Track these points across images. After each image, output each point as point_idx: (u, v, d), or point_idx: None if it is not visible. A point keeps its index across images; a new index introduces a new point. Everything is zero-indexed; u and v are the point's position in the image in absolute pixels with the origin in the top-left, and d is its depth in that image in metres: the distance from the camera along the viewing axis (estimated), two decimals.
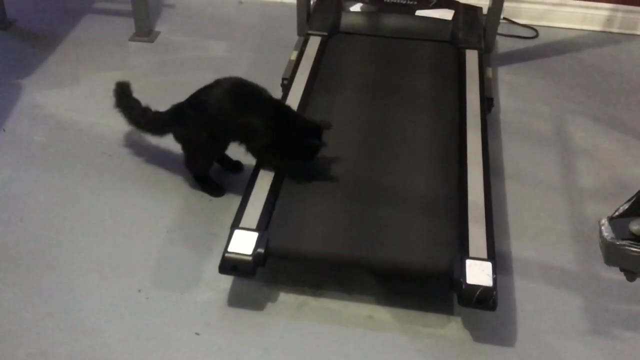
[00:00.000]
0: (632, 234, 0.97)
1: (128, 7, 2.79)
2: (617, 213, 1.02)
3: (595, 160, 2.22)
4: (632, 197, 1.04)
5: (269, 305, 1.69)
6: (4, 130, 2.25)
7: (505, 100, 2.50)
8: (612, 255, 0.99)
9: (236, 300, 1.70)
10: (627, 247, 0.95)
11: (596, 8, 2.93)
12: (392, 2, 2.63)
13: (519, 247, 1.88)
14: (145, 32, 2.81)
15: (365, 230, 1.71)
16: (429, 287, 1.74)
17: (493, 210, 1.79)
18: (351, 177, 1.88)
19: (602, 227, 0.99)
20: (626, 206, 1.01)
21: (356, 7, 2.60)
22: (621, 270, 1.02)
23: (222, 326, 1.64)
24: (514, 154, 2.23)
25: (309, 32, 2.54)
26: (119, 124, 2.30)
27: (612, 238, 0.97)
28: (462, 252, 1.64)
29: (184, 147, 2.00)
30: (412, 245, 1.68)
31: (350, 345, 1.61)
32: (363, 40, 2.52)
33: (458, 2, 2.66)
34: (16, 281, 1.74)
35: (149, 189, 2.04)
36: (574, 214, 1.99)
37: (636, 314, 1.69)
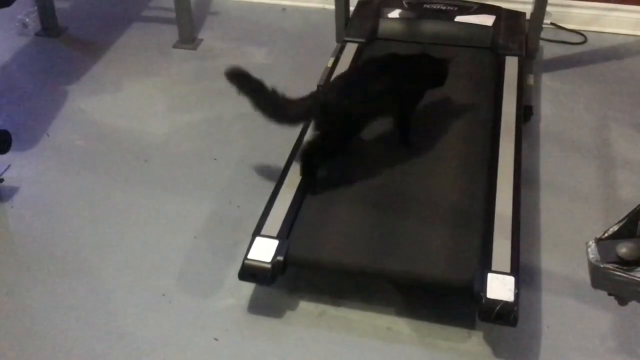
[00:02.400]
0: (619, 257, 0.93)
1: (173, 15, 2.85)
2: (605, 235, 0.97)
3: (637, 172, 2.12)
4: (623, 218, 0.99)
5: (289, 313, 1.70)
6: (48, 135, 2.34)
7: (546, 109, 2.43)
8: (597, 278, 0.94)
9: (256, 307, 1.71)
10: (611, 271, 0.91)
11: None
12: (432, 8, 2.60)
13: (549, 261, 1.82)
14: (188, 39, 2.87)
15: (386, 240, 1.69)
16: (450, 300, 1.71)
17: (522, 223, 1.74)
18: (375, 186, 1.87)
19: (589, 249, 0.95)
20: (616, 228, 0.97)
21: (394, 14, 2.58)
22: (609, 294, 0.98)
23: (240, 332, 1.66)
24: (551, 164, 2.16)
25: (346, 38, 2.53)
26: (157, 130, 2.37)
27: (597, 261, 0.93)
28: (485, 265, 1.60)
29: (327, 132, 1.85)
30: (434, 257, 1.65)
31: (368, 356, 1.59)
32: (400, 46, 2.48)
33: (500, 8, 2.60)
34: (47, 280, 1.80)
35: (180, 194, 2.08)
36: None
37: None
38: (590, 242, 0.97)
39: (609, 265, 0.93)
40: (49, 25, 2.95)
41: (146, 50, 2.84)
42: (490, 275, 1.57)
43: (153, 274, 1.82)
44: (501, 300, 1.52)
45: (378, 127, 2.08)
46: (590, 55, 2.75)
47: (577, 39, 2.84)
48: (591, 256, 0.95)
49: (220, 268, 1.82)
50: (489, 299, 1.52)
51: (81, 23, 3.06)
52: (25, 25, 2.96)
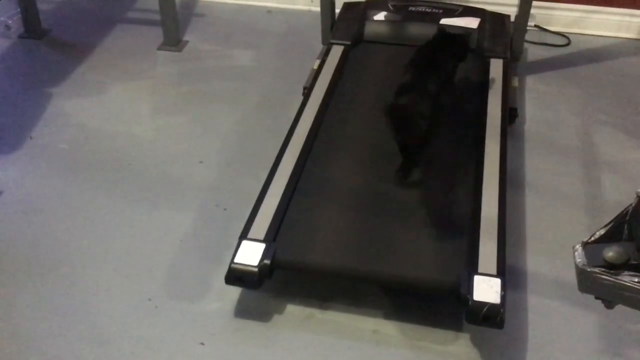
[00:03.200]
0: (606, 261, 0.94)
1: (158, 17, 2.83)
2: (592, 238, 0.98)
3: (621, 174, 2.14)
4: (609, 222, 0.99)
5: (276, 316, 1.69)
6: (31, 138, 2.31)
7: (531, 111, 2.44)
8: (584, 282, 0.95)
9: (243, 311, 1.71)
10: (598, 275, 0.91)
11: (632, 15, 2.83)
12: (417, 11, 2.60)
13: (535, 263, 1.83)
14: (173, 41, 2.85)
15: (372, 243, 1.69)
16: (438, 303, 1.71)
17: (508, 225, 1.75)
18: (361, 189, 1.87)
19: (576, 253, 0.95)
20: (602, 231, 0.97)
21: (380, 16, 2.58)
22: (596, 298, 0.98)
23: (227, 337, 1.65)
24: (536, 166, 2.17)
25: (332, 41, 2.53)
26: (142, 133, 2.35)
27: (584, 264, 0.94)
28: (471, 267, 1.60)
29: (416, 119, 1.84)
30: (421, 260, 1.65)
31: (355, 359, 1.59)
32: (386, 49, 2.49)
33: (485, 11, 2.62)
34: (32, 285, 1.78)
35: (166, 198, 2.07)
36: (593, 230, 1.92)
37: None
38: (577, 246, 0.97)
39: (596, 269, 0.93)
40: (32, 28, 2.92)
41: (131, 53, 2.82)
42: (476, 278, 1.57)
43: (138, 279, 1.80)
44: (488, 303, 1.52)
45: (366, 131, 2.09)
46: (574, 58, 2.77)
47: (561, 41, 2.86)
48: (578, 260, 0.96)
49: (207, 272, 1.81)
50: (476, 302, 1.53)
51: (65, 25, 3.03)
52: (7, 27, 2.93)
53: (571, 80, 2.62)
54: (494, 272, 1.59)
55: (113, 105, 2.51)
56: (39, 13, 2.92)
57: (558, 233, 1.93)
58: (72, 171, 2.18)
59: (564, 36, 2.88)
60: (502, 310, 1.51)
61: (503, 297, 1.53)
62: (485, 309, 1.52)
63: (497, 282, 1.56)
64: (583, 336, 1.63)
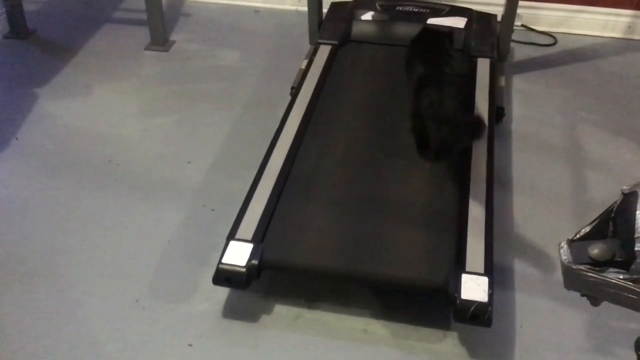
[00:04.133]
0: (591, 258, 0.94)
1: (144, 16, 2.82)
2: (577, 236, 0.98)
3: (608, 172, 2.16)
4: (595, 219, 1.00)
5: (264, 317, 1.69)
6: (17, 139, 2.30)
7: (518, 110, 2.45)
8: (570, 279, 0.95)
9: (231, 311, 1.70)
10: (584, 272, 0.92)
11: (617, 15, 2.86)
12: (404, 11, 2.61)
13: (522, 261, 1.84)
14: (160, 41, 2.84)
15: (361, 243, 1.69)
16: (426, 301, 1.71)
17: (496, 224, 1.76)
18: (349, 189, 1.86)
19: (561, 250, 0.96)
20: (588, 229, 0.98)
21: (367, 16, 2.58)
22: (582, 295, 0.99)
23: (215, 338, 1.64)
24: (523, 165, 2.18)
25: (320, 40, 2.53)
26: (128, 133, 2.34)
27: (569, 262, 0.94)
28: (459, 266, 1.61)
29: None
30: (409, 259, 1.65)
31: (344, 359, 1.59)
32: (373, 48, 2.50)
33: (472, 10, 2.63)
34: (17, 287, 1.77)
35: (154, 198, 2.06)
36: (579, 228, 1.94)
37: (637, 331, 1.64)
38: (563, 243, 0.98)
39: (582, 267, 0.93)
40: (18, 28, 2.90)
41: (117, 53, 2.81)
42: (464, 276, 1.58)
43: (125, 280, 1.79)
44: (475, 301, 1.53)
45: (354, 130, 2.09)
46: (560, 57, 2.78)
47: (548, 40, 2.88)
48: (564, 257, 0.96)
49: (194, 273, 1.80)
50: (464, 300, 1.53)
51: (50, 25, 3.01)
52: None
53: (557, 79, 2.63)
54: (482, 270, 1.59)
55: (99, 105, 2.49)
56: (24, 13, 2.90)
57: (545, 231, 1.93)
58: (58, 172, 2.16)
59: (551, 36, 2.90)
60: (489, 308, 1.52)
61: (491, 296, 1.54)
62: (473, 308, 1.52)
63: (485, 280, 1.57)
64: (570, 333, 1.64)
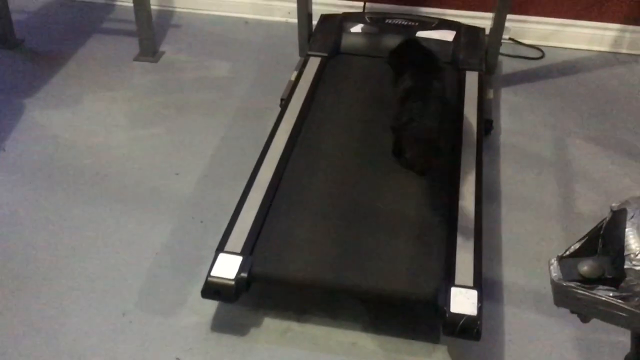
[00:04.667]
0: (581, 275, 0.94)
1: (134, 27, 2.81)
2: (567, 252, 0.99)
3: (595, 184, 2.17)
4: (584, 236, 1.01)
5: (253, 330, 1.68)
6: (4, 150, 2.28)
7: (506, 122, 2.46)
8: (560, 296, 0.96)
9: (220, 325, 1.69)
10: (574, 289, 0.92)
11: (604, 29, 2.88)
12: (394, 24, 2.62)
13: (511, 274, 1.84)
14: (149, 52, 2.84)
15: (350, 256, 1.69)
16: (415, 315, 1.71)
17: (485, 236, 1.76)
18: (339, 201, 1.86)
19: (551, 267, 0.96)
20: (577, 245, 0.99)
21: (357, 28, 2.59)
22: (572, 312, 0.99)
23: (204, 351, 1.63)
24: (512, 177, 2.19)
25: (309, 52, 2.54)
26: (117, 144, 2.33)
27: (559, 279, 0.95)
28: (448, 279, 1.61)
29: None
30: (398, 272, 1.65)
31: None
32: (363, 61, 2.50)
33: (460, 24, 2.64)
34: (3, 299, 1.75)
35: (142, 210, 2.05)
36: (569, 241, 1.93)
37: (625, 345, 1.64)
38: (553, 260, 0.98)
39: (571, 284, 0.94)
40: (6, 37, 2.88)
41: (106, 63, 2.80)
42: (453, 290, 1.58)
43: (113, 293, 1.78)
44: (465, 315, 1.53)
45: (344, 142, 2.09)
46: (548, 70, 2.80)
47: (535, 54, 2.90)
48: (554, 274, 0.96)
49: (183, 285, 1.79)
50: (453, 313, 1.53)
51: (39, 35, 3.00)
52: None
53: (545, 92, 2.65)
54: (471, 283, 1.60)
55: (88, 116, 2.48)
56: (12, 23, 2.88)
57: (533, 244, 1.94)
58: (46, 183, 2.15)
59: (538, 49, 2.92)
60: (479, 322, 1.52)
61: (480, 309, 1.54)
62: (462, 321, 1.52)
63: (474, 294, 1.57)
64: (559, 347, 1.65)
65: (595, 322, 1.68)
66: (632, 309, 0.92)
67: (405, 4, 2.98)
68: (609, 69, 2.82)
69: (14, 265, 1.85)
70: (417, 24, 2.62)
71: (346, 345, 1.64)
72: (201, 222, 2.00)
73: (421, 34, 2.56)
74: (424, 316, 1.68)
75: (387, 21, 2.64)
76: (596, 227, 1.02)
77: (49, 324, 1.69)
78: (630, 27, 2.86)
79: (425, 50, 2.16)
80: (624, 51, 2.91)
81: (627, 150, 2.33)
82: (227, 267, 1.64)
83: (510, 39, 2.93)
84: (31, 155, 2.27)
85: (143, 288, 1.79)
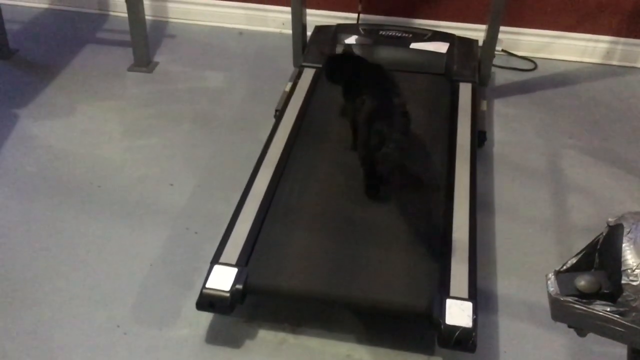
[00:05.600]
0: (578, 289, 0.95)
1: (128, 37, 2.81)
2: (564, 267, 0.99)
3: (588, 196, 2.18)
4: (581, 250, 1.01)
5: (247, 342, 1.67)
6: None
7: (499, 134, 2.48)
8: (557, 311, 0.96)
9: (214, 337, 1.68)
10: (571, 304, 0.93)
11: (596, 40, 2.91)
12: (387, 35, 2.64)
13: (505, 286, 1.85)
14: (144, 62, 2.84)
15: (345, 267, 1.69)
16: (410, 327, 1.71)
17: (479, 248, 1.77)
18: (334, 213, 1.86)
19: (548, 282, 0.97)
20: (574, 260, 0.99)
21: (351, 40, 2.60)
22: (569, 327, 0.99)
23: None
24: (505, 189, 2.20)
25: (304, 63, 2.54)
26: (111, 155, 2.32)
27: (556, 293, 0.95)
28: (443, 291, 1.61)
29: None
30: (393, 284, 1.65)
31: None
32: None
33: (453, 35, 2.66)
34: None
35: (136, 221, 2.04)
36: (562, 253, 1.96)
37: (621, 356, 1.65)
38: (550, 275, 0.99)
39: (569, 298, 0.94)
40: (0, 47, 2.89)
41: (100, 73, 2.80)
42: (448, 301, 1.58)
43: (107, 304, 1.77)
44: (460, 327, 1.53)
45: (338, 154, 2.09)
46: (540, 82, 2.82)
47: (528, 65, 2.92)
48: (551, 289, 0.97)
49: (177, 297, 1.78)
50: (448, 325, 1.53)
51: (33, 45, 3.00)
52: None
53: (538, 103, 2.67)
54: (466, 295, 1.60)
55: (82, 126, 2.47)
56: (6, 33, 2.88)
57: (527, 256, 1.95)
58: (39, 194, 2.14)
59: (531, 61, 2.94)
60: (474, 333, 1.52)
61: (475, 321, 1.54)
62: (457, 333, 1.52)
63: (469, 305, 1.57)
64: (554, 359, 1.65)
65: (590, 333, 1.69)
66: (630, 324, 0.93)
67: (399, 16, 3.00)
68: (601, 80, 2.84)
69: (5, 277, 1.84)
70: (410, 35, 2.63)
71: (341, 357, 1.64)
72: (195, 233, 2.00)
73: (415, 45, 2.58)
74: (419, 328, 1.68)
75: (380, 32, 2.65)
76: (593, 241, 1.03)
77: (40, 336, 1.68)
78: (622, 39, 2.88)
79: (361, 59, 2.11)
80: (616, 63, 2.93)
81: (619, 162, 2.35)
82: (222, 278, 1.63)
83: (503, 50, 2.95)
84: (24, 165, 2.26)
85: (137, 300, 1.78)
